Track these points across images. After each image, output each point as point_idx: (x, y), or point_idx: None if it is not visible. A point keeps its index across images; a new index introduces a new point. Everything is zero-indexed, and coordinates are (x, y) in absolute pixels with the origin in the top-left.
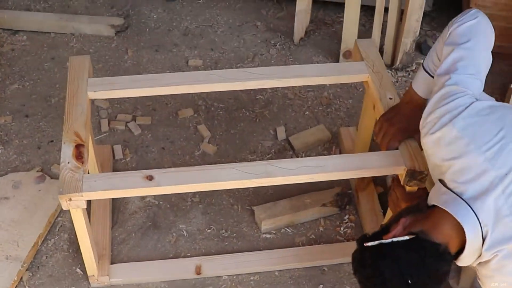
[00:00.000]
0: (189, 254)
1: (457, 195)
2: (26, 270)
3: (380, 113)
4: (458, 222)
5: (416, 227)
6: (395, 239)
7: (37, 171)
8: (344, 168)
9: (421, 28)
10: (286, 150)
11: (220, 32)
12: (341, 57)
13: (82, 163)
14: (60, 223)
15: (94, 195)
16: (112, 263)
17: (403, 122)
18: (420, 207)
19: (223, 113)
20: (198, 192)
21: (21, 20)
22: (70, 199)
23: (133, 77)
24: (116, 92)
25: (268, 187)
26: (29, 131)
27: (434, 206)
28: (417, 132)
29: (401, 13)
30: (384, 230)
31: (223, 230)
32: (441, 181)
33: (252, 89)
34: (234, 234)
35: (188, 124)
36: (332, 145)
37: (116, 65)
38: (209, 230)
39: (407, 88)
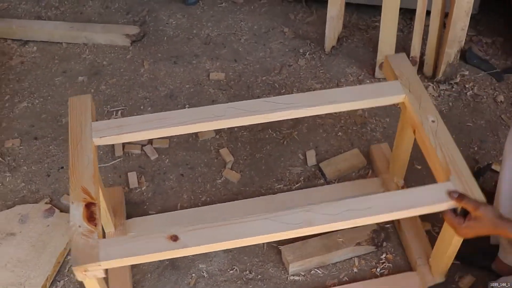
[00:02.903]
0: None
1: None
2: None
3: (422, 138)
4: None
5: None
6: None
7: (46, 203)
8: (395, 208)
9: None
10: (316, 178)
11: (244, 40)
12: (377, 69)
13: (95, 225)
14: (69, 263)
15: (113, 263)
16: None
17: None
18: None
19: (247, 134)
20: None
21: (30, 30)
22: (86, 270)
23: (144, 117)
24: (125, 136)
25: None
26: (38, 156)
27: None
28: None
29: (445, 17)
30: None
31: (247, 271)
32: None
33: None
34: (259, 276)
35: (210, 147)
36: (367, 171)
37: (132, 79)
38: (231, 271)
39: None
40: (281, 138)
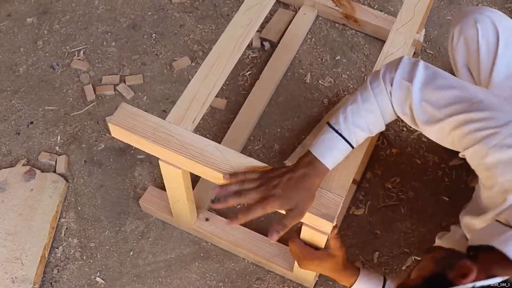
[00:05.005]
0: None
1: None
2: None
3: None
4: None
5: (493, 271)
6: (478, 284)
7: (23, 165)
8: None
9: None
10: None
11: None
12: None
13: None
14: (64, 226)
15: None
16: None
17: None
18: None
19: None
20: None
21: None
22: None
23: (196, 79)
24: (207, 101)
25: None
26: (1, 113)
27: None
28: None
29: None
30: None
31: None
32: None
33: None
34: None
35: (187, 76)
36: None
37: (87, 14)
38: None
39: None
40: (258, 56)
